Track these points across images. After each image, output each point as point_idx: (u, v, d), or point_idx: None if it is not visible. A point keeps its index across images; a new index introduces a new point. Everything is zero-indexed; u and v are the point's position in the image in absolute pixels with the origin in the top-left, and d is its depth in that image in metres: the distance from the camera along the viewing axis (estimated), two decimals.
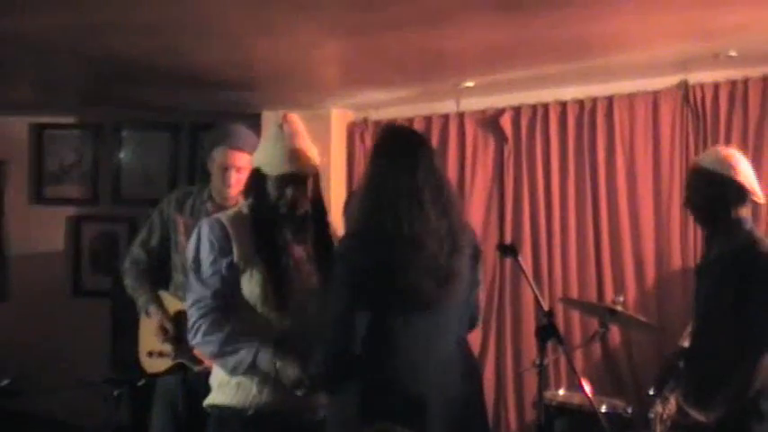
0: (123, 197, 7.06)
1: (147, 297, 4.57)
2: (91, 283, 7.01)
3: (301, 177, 3.36)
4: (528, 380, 5.92)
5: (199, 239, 3.36)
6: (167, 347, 4.49)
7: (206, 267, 3.31)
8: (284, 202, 3.35)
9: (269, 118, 6.50)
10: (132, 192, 7.01)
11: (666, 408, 3.86)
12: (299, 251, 3.43)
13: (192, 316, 3.34)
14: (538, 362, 3.49)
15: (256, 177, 3.40)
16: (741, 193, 3.84)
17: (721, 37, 5.01)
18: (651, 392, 4.10)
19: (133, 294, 4.63)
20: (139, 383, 4.59)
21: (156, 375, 4.57)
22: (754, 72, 5.74)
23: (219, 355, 3.30)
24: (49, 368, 6.14)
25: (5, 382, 4.25)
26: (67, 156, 7.16)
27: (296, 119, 3.49)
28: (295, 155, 3.32)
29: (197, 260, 3.35)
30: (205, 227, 3.37)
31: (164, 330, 4.45)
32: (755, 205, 4.11)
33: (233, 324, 3.30)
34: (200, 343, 3.34)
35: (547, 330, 3.36)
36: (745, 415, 3.63)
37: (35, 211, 7.21)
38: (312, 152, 3.42)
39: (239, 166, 4.46)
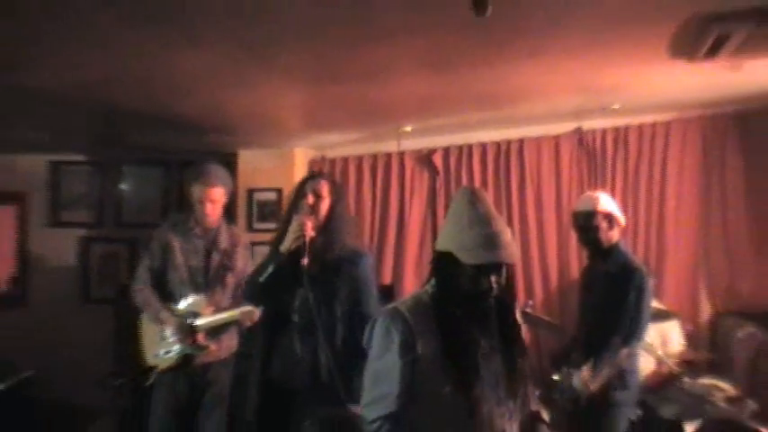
0: (124, 221, 6.97)
1: (158, 307, 4.46)
2: (97, 292, 6.89)
3: (499, 266, 2.50)
4: None
5: (381, 334, 2.52)
6: (171, 344, 4.42)
7: (389, 365, 2.48)
8: (477, 294, 2.49)
9: (245, 156, 6.47)
10: (131, 217, 6.93)
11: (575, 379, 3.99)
12: (485, 345, 2.54)
13: (372, 415, 2.50)
14: None
15: (445, 263, 2.50)
16: (610, 221, 4.12)
17: (606, 94, 5.09)
18: (555, 377, 4.20)
19: (144, 308, 4.54)
20: (148, 383, 4.45)
21: (167, 370, 4.47)
22: (633, 121, 5.92)
23: None
24: (62, 362, 6.08)
25: (28, 373, 4.21)
26: (78, 187, 7.08)
27: (485, 195, 2.62)
28: (496, 241, 2.45)
29: (378, 356, 2.53)
30: (386, 321, 2.52)
31: (181, 327, 4.36)
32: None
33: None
34: None
35: None
36: (613, 386, 3.93)
37: (52, 232, 7.09)
38: (510, 235, 2.53)
39: (213, 199, 4.50)
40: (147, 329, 4.57)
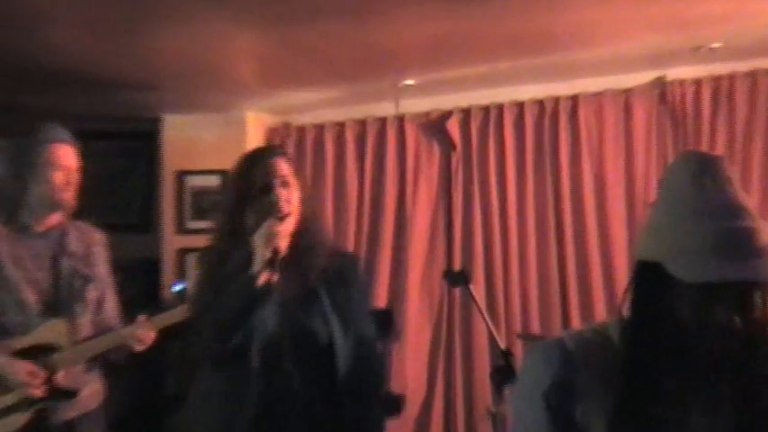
0: None
1: None
2: None
3: (747, 286, 1.24)
4: (482, 430, 4.37)
5: (524, 378, 1.50)
6: (12, 399, 3.11)
7: (525, 417, 1.47)
8: (703, 333, 1.27)
9: (173, 123, 4.95)
10: None
11: None
12: (700, 423, 1.34)
13: None
14: (493, 409, 3.00)
15: (650, 279, 1.29)
16: None
17: (703, 28, 3.88)
18: None
19: None
20: None
21: None
22: (742, 66, 4.34)
23: None
24: None
25: None
26: None
27: (725, 167, 1.35)
28: (740, 244, 1.20)
29: (516, 399, 1.54)
30: (536, 357, 1.48)
31: (33, 372, 3.06)
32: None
33: None
34: None
35: (504, 372, 2.55)
36: None
37: None
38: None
39: (67, 164, 3.14)
40: None
